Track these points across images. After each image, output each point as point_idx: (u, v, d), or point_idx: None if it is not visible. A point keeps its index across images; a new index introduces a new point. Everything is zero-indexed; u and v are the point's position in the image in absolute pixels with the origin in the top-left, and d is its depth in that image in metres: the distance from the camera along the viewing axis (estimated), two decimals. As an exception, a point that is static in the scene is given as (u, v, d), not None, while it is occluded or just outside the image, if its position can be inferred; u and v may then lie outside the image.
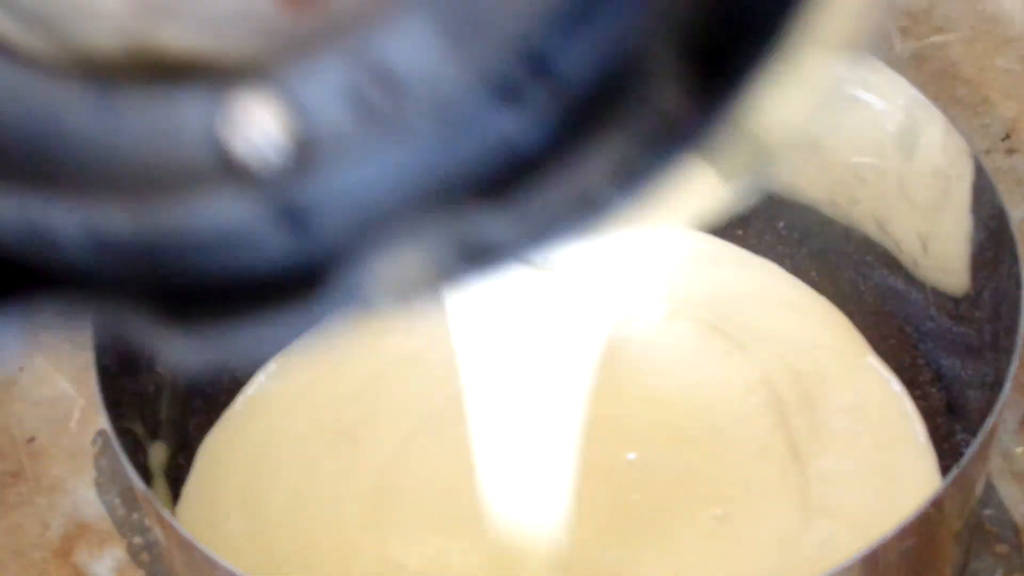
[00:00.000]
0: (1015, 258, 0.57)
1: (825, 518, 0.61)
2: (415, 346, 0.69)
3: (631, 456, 0.63)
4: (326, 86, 0.23)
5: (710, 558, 0.60)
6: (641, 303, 0.69)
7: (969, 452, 0.51)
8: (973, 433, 0.55)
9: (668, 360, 0.67)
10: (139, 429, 0.61)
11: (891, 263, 0.68)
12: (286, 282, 0.25)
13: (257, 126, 0.23)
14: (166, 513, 0.52)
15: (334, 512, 0.62)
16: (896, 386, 0.65)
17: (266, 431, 0.66)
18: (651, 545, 0.60)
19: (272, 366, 0.68)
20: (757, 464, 0.63)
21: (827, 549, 0.59)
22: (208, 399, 0.67)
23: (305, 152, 0.24)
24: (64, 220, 0.24)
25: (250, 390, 0.67)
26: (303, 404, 0.67)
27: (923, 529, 0.51)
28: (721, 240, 0.72)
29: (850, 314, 0.69)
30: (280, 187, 0.24)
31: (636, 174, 0.24)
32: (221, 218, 0.24)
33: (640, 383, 0.66)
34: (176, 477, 0.64)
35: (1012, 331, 0.55)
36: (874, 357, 0.66)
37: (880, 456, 0.63)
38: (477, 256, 0.25)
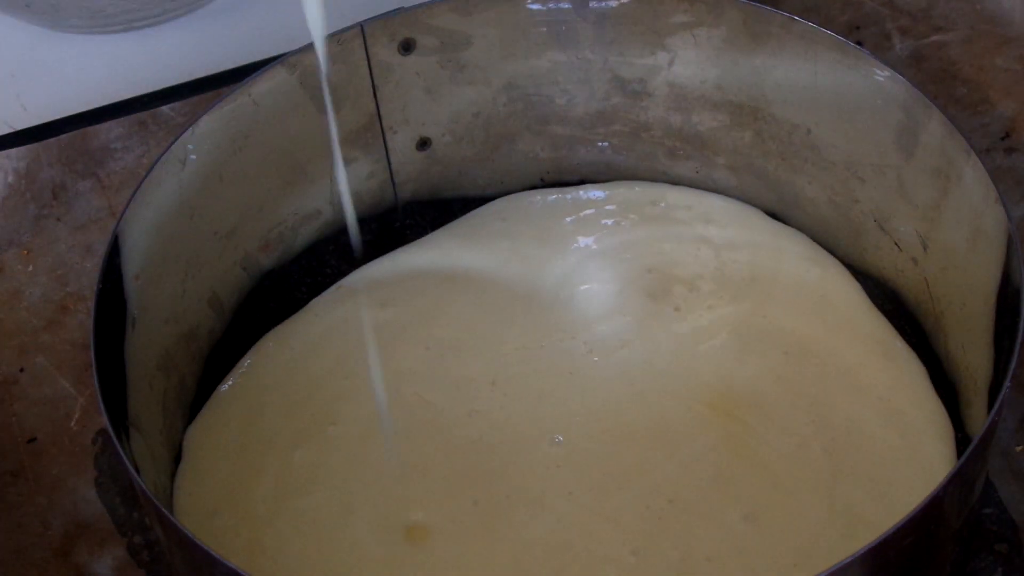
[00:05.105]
0: (1015, 258, 0.57)
1: (848, 514, 0.61)
2: (383, 318, 0.70)
3: (668, 465, 0.64)
4: None
5: (731, 557, 0.60)
6: (691, 309, 0.69)
7: (968, 451, 0.51)
8: (973, 432, 0.55)
9: (724, 366, 0.67)
10: (139, 428, 0.61)
11: (891, 262, 0.68)
12: None
13: None
14: (166, 512, 0.52)
15: (309, 505, 0.63)
16: (923, 377, 0.65)
17: (244, 424, 0.66)
18: (676, 546, 0.61)
19: (247, 362, 0.69)
20: (791, 463, 0.63)
21: (847, 545, 0.59)
22: (208, 398, 0.67)
23: None
24: None
25: (227, 383, 0.68)
26: (275, 395, 0.67)
27: (922, 527, 0.51)
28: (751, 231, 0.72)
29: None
30: None
31: None
32: None
33: (693, 389, 0.66)
34: (175, 476, 0.65)
35: (1012, 331, 0.55)
36: (902, 341, 0.67)
37: (905, 449, 0.63)
38: None
